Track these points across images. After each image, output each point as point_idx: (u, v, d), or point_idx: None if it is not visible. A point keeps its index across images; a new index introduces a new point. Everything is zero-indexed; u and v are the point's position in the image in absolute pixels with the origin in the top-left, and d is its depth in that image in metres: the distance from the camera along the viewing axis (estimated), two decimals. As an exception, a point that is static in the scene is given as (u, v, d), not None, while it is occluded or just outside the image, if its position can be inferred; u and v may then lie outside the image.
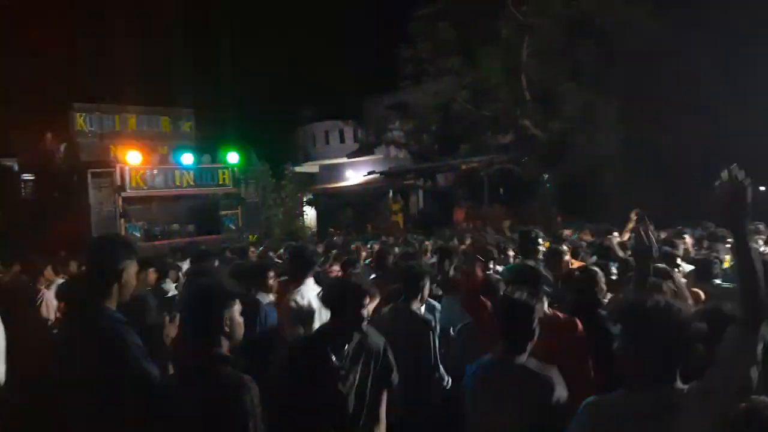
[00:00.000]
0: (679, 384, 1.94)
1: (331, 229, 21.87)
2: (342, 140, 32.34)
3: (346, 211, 26.61)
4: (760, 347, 1.90)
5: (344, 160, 30.47)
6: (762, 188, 20.55)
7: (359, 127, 29.49)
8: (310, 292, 4.18)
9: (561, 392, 2.55)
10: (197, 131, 21.92)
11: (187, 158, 18.69)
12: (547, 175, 20.12)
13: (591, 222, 12.72)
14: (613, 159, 17.79)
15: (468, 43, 19.98)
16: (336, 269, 6.29)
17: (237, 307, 2.45)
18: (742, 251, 1.94)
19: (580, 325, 3.17)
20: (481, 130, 21.10)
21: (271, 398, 2.64)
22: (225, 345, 2.38)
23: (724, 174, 1.97)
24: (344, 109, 29.64)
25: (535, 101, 19.67)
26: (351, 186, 28.56)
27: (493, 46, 19.57)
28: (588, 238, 8.93)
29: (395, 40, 21.54)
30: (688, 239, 7.40)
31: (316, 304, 4.05)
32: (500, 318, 2.74)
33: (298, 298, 4.13)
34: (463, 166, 21.46)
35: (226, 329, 2.38)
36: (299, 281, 4.28)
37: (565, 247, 5.72)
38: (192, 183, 18.95)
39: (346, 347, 2.97)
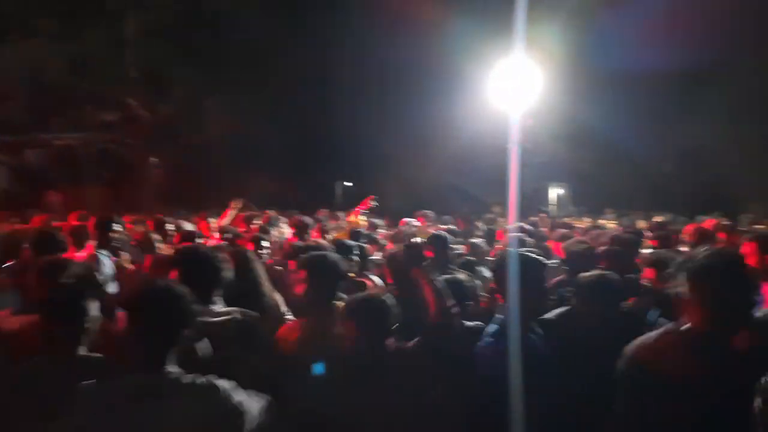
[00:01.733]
0: (170, 368, 2.04)
1: None
2: None
3: None
4: None
5: None
6: (348, 184, 24.27)
7: None
8: None
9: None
10: None
11: None
12: (156, 159, 19.56)
13: (196, 209, 12.88)
14: (220, 147, 18.40)
15: (67, 5, 17.86)
16: None
17: None
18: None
19: None
20: (80, 104, 19.21)
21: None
22: None
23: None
24: None
25: (144, 82, 18.87)
26: None
27: (98, 16, 17.99)
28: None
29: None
30: (285, 227, 8.08)
31: None
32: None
33: None
34: (58, 143, 19.19)
35: None
36: None
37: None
38: None
39: None
